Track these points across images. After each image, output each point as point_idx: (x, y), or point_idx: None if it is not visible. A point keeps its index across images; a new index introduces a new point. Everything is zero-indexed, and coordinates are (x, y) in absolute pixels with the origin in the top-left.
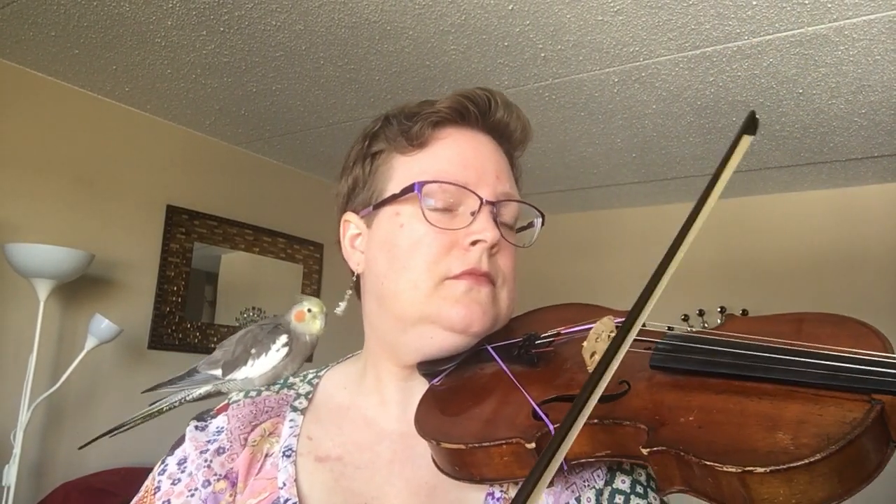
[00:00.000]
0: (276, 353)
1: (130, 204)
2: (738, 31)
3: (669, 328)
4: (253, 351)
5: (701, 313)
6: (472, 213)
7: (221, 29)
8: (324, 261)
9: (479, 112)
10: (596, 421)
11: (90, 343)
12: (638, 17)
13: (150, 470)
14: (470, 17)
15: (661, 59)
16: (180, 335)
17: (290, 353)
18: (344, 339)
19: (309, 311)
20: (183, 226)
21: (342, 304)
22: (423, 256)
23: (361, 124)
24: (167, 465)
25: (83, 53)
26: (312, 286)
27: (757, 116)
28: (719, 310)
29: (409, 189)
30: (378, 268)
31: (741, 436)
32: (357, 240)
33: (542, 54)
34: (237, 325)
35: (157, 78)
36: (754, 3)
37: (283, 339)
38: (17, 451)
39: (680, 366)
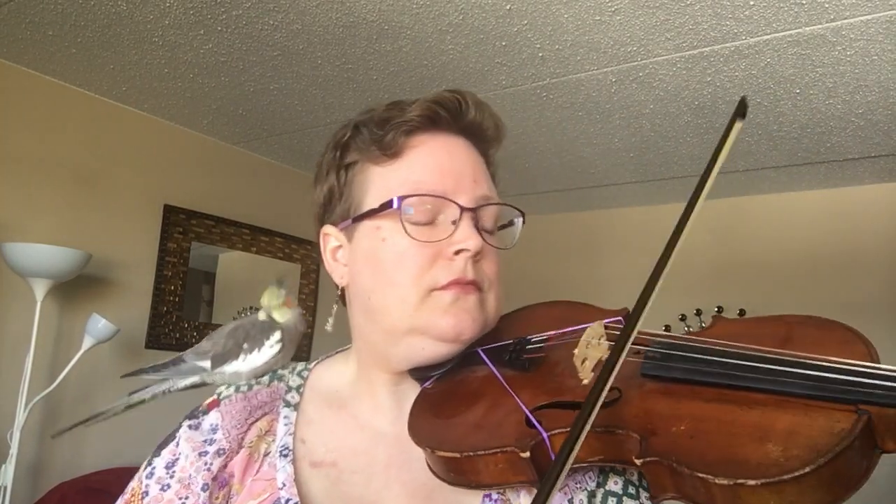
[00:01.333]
0: (270, 349)
1: (128, 203)
2: (735, 31)
3: (666, 327)
4: (245, 346)
5: (698, 313)
6: (454, 222)
7: (219, 28)
8: (322, 263)
9: (450, 116)
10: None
11: (87, 343)
12: (636, 17)
13: None
14: (468, 17)
15: (659, 59)
16: (177, 335)
17: (283, 349)
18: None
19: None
20: (180, 225)
21: (331, 320)
22: (408, 270)
23: None
24: (154, 467)
25: (80, 53)
26: (310, 286)
27: (747, 102)
28: (717, 310)
29: (388, 204)
30: (363, 282)
31: (732, 447)
32: (338, 252)
33: (540, 54)
34: None
35: (155, 77)
36: (752, 3)
37: (277, 335)
38: (13, 450)
39: (670, 374)
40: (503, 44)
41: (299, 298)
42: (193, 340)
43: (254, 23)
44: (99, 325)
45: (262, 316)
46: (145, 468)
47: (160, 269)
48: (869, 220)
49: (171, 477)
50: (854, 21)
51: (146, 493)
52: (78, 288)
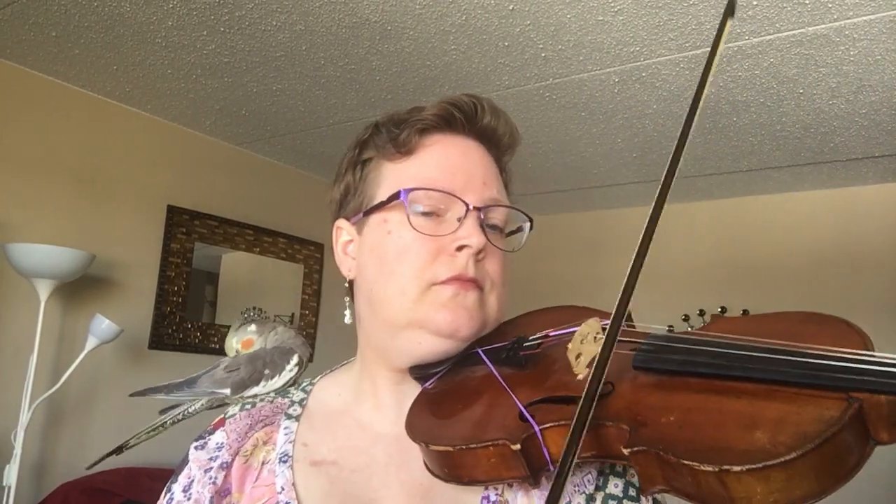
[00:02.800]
0: (289, 373)
1: (131, 204)
2: (738, 31)
3: (670, 328)
4: (266, 372)
5: (701, 313)
6: (459, 219)
7: (222, 29)
8: (324, 261)
9: (465, 118)
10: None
11: (91, 343)
12: (638, 17)
13: (151, 471)
14: (470, 18)
15: (662, 59)
16: (181, 335)
17: (301, 371)
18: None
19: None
20: (183, 226)
21: (347, 313)
22: (410, 263)
23: (362, 124)
24: (173, 493)
25: (83, 54)
26: (313, 286)
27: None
28: (720, 310)
29: (395, 196)
30: (368, 274)
31: (719, 435)
32: (349, 246)
33: (543, 54)
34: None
35: (158, 78)
36: (755, 2)
37: (296, 359)
38: (17, 451)
39: (661, 366)
40: (506, 44)
41: (302, 299)
42: (196, 341)
43: (257, 24)
44: (102, 325)
45: (229, 354)
46: (164, 496)
47: (163, 269)
48: (872, 221)
49: (189, 500)
50: (857, 21)
51: None
52: (81, 288)
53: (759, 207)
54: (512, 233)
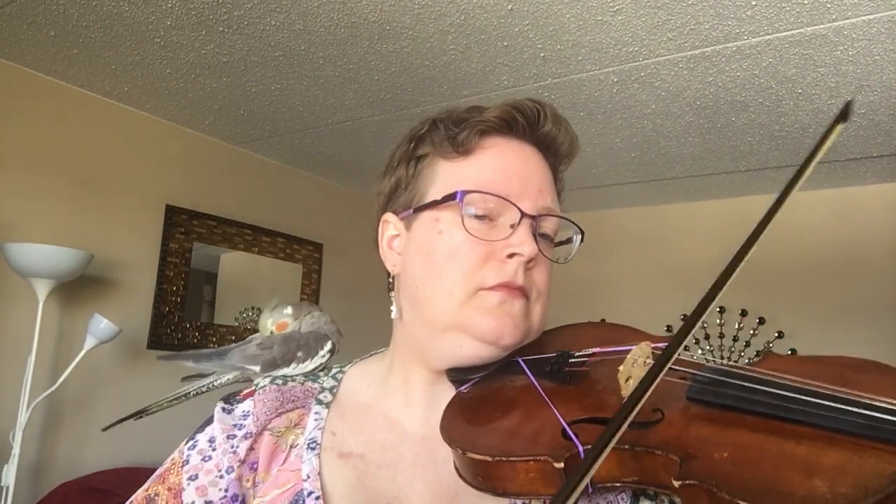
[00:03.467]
0: (321, 358)
1: (129, 204)
2: (737, 30)
3: (668, 328)
4: (299, 354)
5: None
6: (512, 226)
7: (221, 29)
8: (323, 261)
9: (527, 123)
10: (626, 447)
11: (89, 343)
12: (637, 17)
13: (150, 470)
14: (469, 17)
15: (661, 59)
16: (179, 335)
17: (331, 357)
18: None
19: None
20: (182, 226)
21: (394, 308)
22: (459, 265)
23: (361, 124)
24: (197, 441)
25: (82, 53)
26: (312, 286)
27: (852, 107)
28: (718, 310)
29: (450, 196)
30: (414, 271)
31: (777, 478)
32: (395, 241)
33: (542, 54)
34: (236, 324)
35: (157, 78)
36: (753, 3)
37: (329, 345)
38: (16, 450)
39: (717, 400)
40: (505, 44)
41: (301, 299)
42: (195, 341)
43: (255, 23)
44: (101, 325)
45: (263, 333)
46: (187, 442)
47: (162, 269)
48: (871, 220)
49: (214, 450)
50: (856, 21)
51: (187, 461)
52: (80, 288)
53: (757, 207)
54: (560, 243)
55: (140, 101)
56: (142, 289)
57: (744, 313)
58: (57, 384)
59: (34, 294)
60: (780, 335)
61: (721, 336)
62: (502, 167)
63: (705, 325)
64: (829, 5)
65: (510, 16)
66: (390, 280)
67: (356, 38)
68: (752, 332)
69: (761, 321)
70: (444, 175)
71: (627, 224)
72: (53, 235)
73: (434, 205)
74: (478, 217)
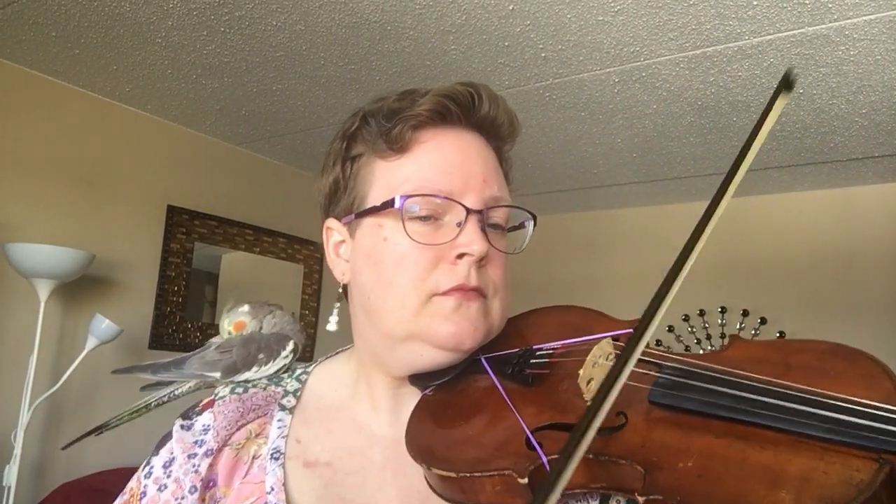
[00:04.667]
0: (284, 359)
1: (131, 204)
2: (738, 30)
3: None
4: (260, 356)
5: (701, 313)
6: (459, 224)
7: (222, 29)
8: (324, 261)
9: (461, 111)
10: (591, 456)
11: (91, 343)
12: (638, 17)
13: None
14: (470, 17)
15: (662, 59)
16: (181, 335)
17: (294, 358)
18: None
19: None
20: (183, 226)
21: (332, 320)
22: (408, 273)
23: None
24: (153, 466)
25: (83, 53)
26: (313, 286)
27: (792, 77)
28: (720, 310)
29: (390, 203)
30: (364, 281)
31: (742, 490)
32: (341, 248)
33: (543, 54)
34: None
35: (158, 78)
36: (755, 2)
37: (291, 345)
38: (17, 451)
39: (680, 404)
40: (506, 44)
41: (302, 299)
42: (197, 341)
43: (257, 24)
44: (102, 325)
45: (221, 336)
46: (144, 468)
47: (163, 269)
48: (872, 220)
49: (168, 477)
50: (857, 21)
51: (144, 493)
52: (81, 288)
53: (758, 207)
54: (514, 228)
55: (141, 101)
56: (143, 289)
57: (745, 313)
58: (58, 384)
59: (36, 294)
60: (782, 335)
61: (722, 336)
62: (441, 162)
63: (706, 325)
64: (830, 5)
65: (511, 16)
66: (340, 289)
67: (357, 38)
68: (753, 331)
69: (762, 321)
70: (383, 177)
71: (629, 224)
72: (55, 236)
73: (375, 210)
74: (422, 218)
